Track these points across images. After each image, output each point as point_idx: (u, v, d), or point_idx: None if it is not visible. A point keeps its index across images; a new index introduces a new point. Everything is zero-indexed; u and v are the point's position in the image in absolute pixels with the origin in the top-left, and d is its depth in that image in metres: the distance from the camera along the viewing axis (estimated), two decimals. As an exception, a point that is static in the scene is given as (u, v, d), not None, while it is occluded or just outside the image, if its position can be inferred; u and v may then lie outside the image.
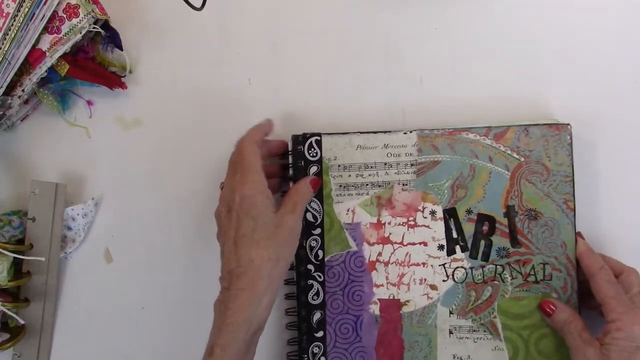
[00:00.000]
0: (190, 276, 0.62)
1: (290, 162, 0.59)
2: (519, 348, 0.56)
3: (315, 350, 0.58)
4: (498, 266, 0.57)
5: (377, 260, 0.58)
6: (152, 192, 0.62)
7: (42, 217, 0.59)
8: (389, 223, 0.58)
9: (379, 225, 0.58)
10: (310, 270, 0.58)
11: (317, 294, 0.58)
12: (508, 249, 0.57)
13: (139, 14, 0.63)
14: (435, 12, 0.61)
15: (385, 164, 0.58)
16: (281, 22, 0.62)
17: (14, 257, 0.57)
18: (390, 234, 0.57)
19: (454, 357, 0.57)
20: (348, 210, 0.58)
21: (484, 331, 0.57)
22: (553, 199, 0.56)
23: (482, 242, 0.57)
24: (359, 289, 0.58)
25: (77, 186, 0.62)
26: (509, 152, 0.57)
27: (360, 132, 0.58)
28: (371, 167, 0.58)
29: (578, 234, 0.55)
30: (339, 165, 0.58)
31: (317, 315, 0.58)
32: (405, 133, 0.58)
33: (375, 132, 0.58)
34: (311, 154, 0.58)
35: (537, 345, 0.56)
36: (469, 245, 0.57)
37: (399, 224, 0.57)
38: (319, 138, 0.58)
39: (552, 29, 0.61)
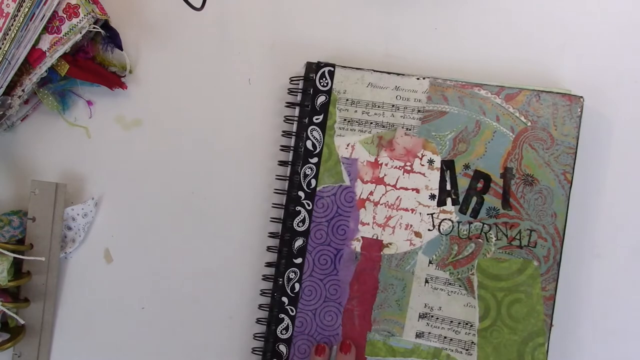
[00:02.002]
0: (190, 276, 0.62)
1: (301, 88, 0.59)
2: (490, 308, 0.56)
3: (292, 275, 0.58)
4: (485, 225, 0.57)
5: (368, 199, 0.58)
6: (152, 192, 0.62)
7: (42, 217, 0.59)
8: (386, 164, 0.58)
9: (376, 164, 0.58)
10: (300, 197, 0.58)
11: (303, 221, 0.58)
12: (498, 209, 0.57)
13: (139, 14, 0.62)
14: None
15: (393, 105, 0.58)
16: (281, 22, 0.62)
17: (14, 257, 0.57)
18: (385, 175, 0.58)
19: (425, 305, 0.57)
20: (348, 145, 0.58)
21: (460, 286, 0.57)
22: (552, 168, 0.56)
23: (474, 199, 0.57)
24: (344, 224, 0.58)
25: (77, 186, 0.62)
26: (517, 114, 0.56)
27: (374, 70, 0.58)
28: (378, 106, 0.58)
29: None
30: (347, 100, 0.58)
31: (299, 242, 0.58)
32: (418, 78, 0.58)
33: (388, 73, 0.58)
34: (322, 84, 0.58)
35: (509, 309, 0.56)
36: (461, 199, 0.57)
37: (396, 167, 0.58)
38: (332, 69, 0.58)
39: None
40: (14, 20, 0.55)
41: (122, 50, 0.60)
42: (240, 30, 0.62)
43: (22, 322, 0.60)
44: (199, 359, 0.62)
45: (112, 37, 0.60)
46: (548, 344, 0.56)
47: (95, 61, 0.61)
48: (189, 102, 0.62)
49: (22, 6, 0.55)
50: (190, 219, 0.62)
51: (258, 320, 0.60)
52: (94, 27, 0.57)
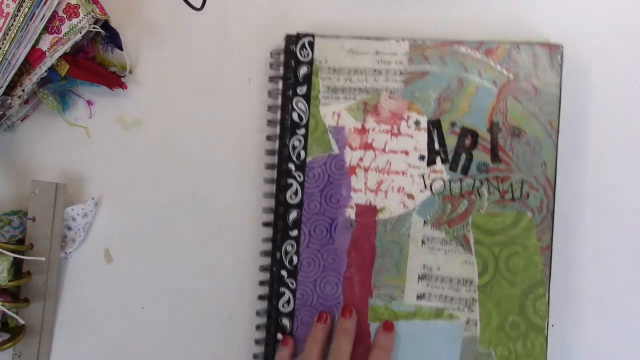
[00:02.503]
0: (190, 276, 0.62)
1: (282, 61, 0.59)
2: (488, 263, 0.57)
3: (289, 248, 0.58)
4: (476, 180, 0.57)
5: (358, 166, 0.58)
6: (152, 192, 0.62)
7: (42, 217, 0.59)
8: (373, 129, 0.58)
9: (363, 130, 0.58)
10: (291, 170, 0.58)
11: (296, 193, 0.58)
12: (488, 164, 0.57)
13: (139, 14, 0.62)
14: None
15: (375, 70, 0.58)
16: (281, 22, 0.62)
17: (14, 257, 0.57)
18: (373, 140, 0.58)
19: (424, 266, 0.57)
20: (334, 114, 0.58)
21: (456, 244, 0.57)
22: (538, 118, 0.56)
23: (463, 156, 0.57)
24: (337, 192, 0.58)
25: (77, 186, 0.62)
26: (498, 68, 0.57)
27: (353, 37, 0.58)
28: (361, 72, 0.58)
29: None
30: (329, 68, 0.58)
31: (293, 214, 0.58)
32: (397, 41, 0.58)
33: (367, 38, 0.58)
34: (303, 55, 0.58)
35: (507, 263, 0.56)
36: (450, 157, 0.57)
37: (383, 131, 0.58)
38: (312, 39, 0.58)
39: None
40: (14, 20, 0.55)
41: (122, 50, 0.60)
42: (240, 30, 0.62)
43: (22, 322, 0.59)
44: (199, 358, 0.62)
45: (112, 37, 0.60)
46: (548, 294, 0.56)
47: (95, 61, 0.61)
48: (189, 102, 0.62)
49: (22, 6, 0.55)
50: (190, 218, 0.62)
51: (258, 313, 0.60)
52: (94, 27, 0.57)
